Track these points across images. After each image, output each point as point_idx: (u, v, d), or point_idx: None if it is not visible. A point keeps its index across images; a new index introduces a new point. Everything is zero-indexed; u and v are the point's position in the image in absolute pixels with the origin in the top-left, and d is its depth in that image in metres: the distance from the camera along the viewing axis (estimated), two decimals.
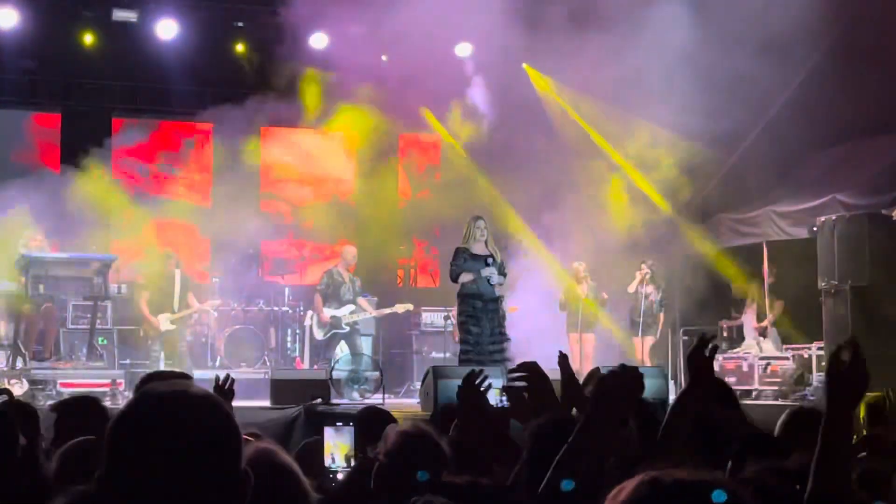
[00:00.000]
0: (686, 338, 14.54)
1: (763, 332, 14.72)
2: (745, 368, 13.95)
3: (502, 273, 11.63)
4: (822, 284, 13.01)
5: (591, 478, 2.67)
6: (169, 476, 1.77)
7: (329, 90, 15.51)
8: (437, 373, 10.35)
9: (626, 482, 1.73)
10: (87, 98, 16.42)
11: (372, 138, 16.09)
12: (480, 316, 11.38)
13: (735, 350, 14.61)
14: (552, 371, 4.03)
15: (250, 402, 11.45)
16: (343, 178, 17.47)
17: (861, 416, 5.79)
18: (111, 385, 11.92)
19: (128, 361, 13.38)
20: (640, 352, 14.36)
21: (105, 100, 16.58)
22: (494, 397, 8.06)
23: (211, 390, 2.19)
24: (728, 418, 3.79)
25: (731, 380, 12.81)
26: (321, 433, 4.58)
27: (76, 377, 12.06)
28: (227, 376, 4.70)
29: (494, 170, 15.85)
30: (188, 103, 16.51)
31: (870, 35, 13.11)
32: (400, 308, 14.38)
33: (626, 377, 2.84)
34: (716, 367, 13.87)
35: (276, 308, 15.23)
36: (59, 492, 2.70)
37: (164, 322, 13.46)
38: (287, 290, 15.58)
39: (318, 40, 15.84)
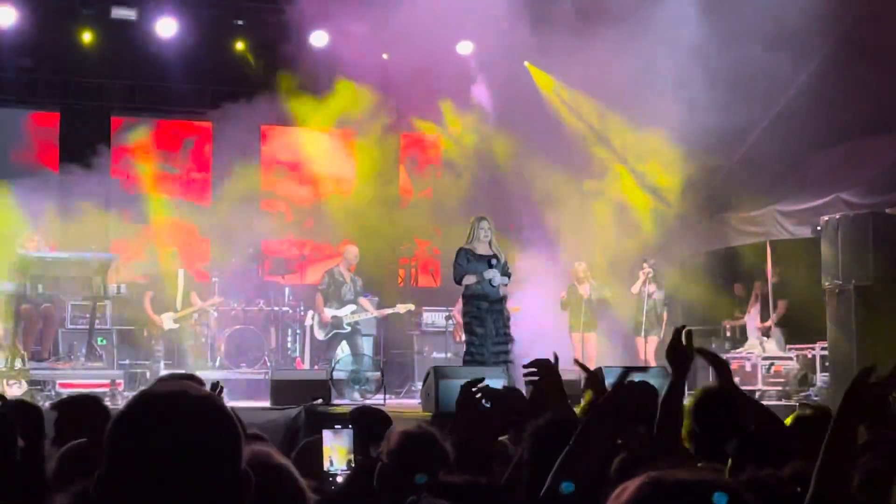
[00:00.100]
0: None
1: (766, 332, 14.68)
2: (748, 368, 13.88)
3: (506, 273, 11.57)
4: (825, 284, 12.95)
5: (592, 480, 2.68)
6: (169, 476, 1.77)
7: (329, 89, 15.44)
8: (438, 373, 10.30)
9: (629, 482, 1.74)
10: (86, 97, 16.38)
11: (373, 137, 16.04)
12: (485, 317, 11.34)
13: (738, 350, 14.56)
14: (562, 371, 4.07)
15: (250, 403, 11.41)
16: (344, 177, 17.42)
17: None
18: (110, 385, 11.92)
19: (127, 362, 13.36)
20: (644, 351, 14.31)
21: (104, 98, 16.54)
22: None
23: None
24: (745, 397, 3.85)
25: (733, 380, 12.74)
26: (321, 434, 4.55)
27: (75, 377, 12.06)
28: (216, 384, 4.64)
29: (496, 168, 15.80)
30: (188, 102, 16.49)
31: (873, 33, 13.05)
32: (401, 308, 14.34)
33: (638, 391, 2.84)
34: None
35: (276, 308, 15.20)
36: (57, 492, 2.72)
37: (167, 321, 13.43)
38: (287, 289, 15.55)
39: (318, 38, 15.78)
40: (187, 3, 15.81)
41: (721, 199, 15.26)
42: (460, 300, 11.90)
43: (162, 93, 16.62)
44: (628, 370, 2.98)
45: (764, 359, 13.96)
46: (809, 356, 13.69)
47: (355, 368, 13.14)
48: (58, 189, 14.34)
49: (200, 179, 17.09)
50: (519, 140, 15.41)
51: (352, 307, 13.88)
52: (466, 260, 11.46)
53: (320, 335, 13.94)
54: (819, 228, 13.19)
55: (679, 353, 3.41)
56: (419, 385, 12.52)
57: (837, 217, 12.91)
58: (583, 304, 14.24)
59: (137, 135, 16.59)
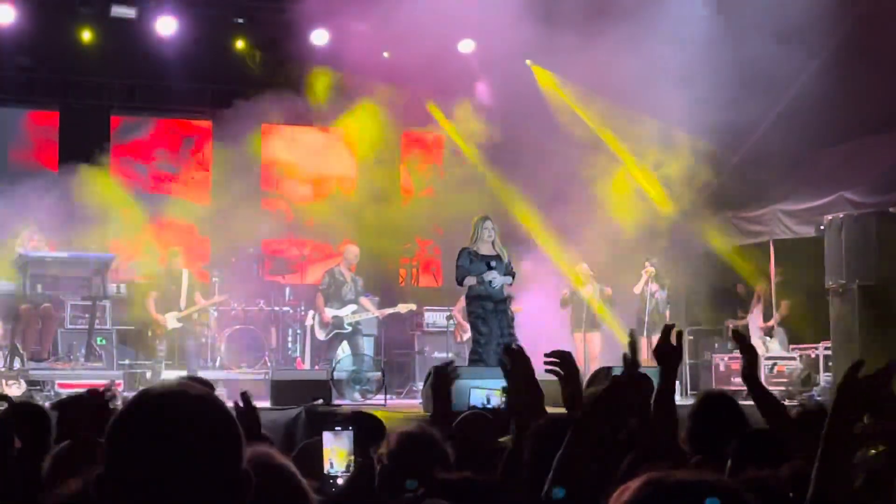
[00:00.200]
0: (692, 337, 14.44)
1: (769, 332, 14.65)
2: None
3: (509, 272, 11.53)
4: (829, 283, 12.93)
5: (591, 480, 2.68)
6: (169, 476, 1.78)
7: (330, 88, 15.41)
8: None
9: (630, 482, 1.75)
10: (86, 96, 16.34)
11: (374, 136, 16.01)
12: (489, 317, 11.31)
13: None
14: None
15: None
16: (345, 176, 17.39)
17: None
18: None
19: (127, 362, 13.34)
20: (647, 351, 14.24)
21: (103, 97, 16.51)
22: (496, 398, 7.97)
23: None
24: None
25: (736, 380, 12.72)
26: (321, 435, 4.51)
27: (74, 378, 12.00)
28: (245, 394, 4.39)
29: (498, 168, 15.78)
30: (187, 101, 16.47)
31: (877, 31, 13.01)
32: (402, 308, 14.31)
33: (628, 384, 2.82)
34: (721, 368, 13.69)
35: (276, 308, 15.18)
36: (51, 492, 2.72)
37: (171, 320, 13.40)
38: (288, 289, 15.54)
39: (319, 37, 15.74)
40: (187, 1, 15.77)
41: (724, 199, 15.22)
42: (461, 299, 11.86)
43: (162, 92, 16.58)
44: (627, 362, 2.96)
45: (767, 359, 13.92)
46: (812, 356, 13.66)
47: (356, 368, 13.09)
48: (57, 188, 14.30)
49: (200, 178, 17.06)
50: (520, 138, 15.36)
51: (352, 307, 13.85)
52: (469, 260, 11.42)
53: (321, 335, 13.91)
54: (822, 228, 13.17)
55: (668, 352, 3.43)
56: (420, 385, 12.47)
57: (841, 216, 12.89)
58: (585, 303, 14.19)
59: (137, 134, 16.57)
